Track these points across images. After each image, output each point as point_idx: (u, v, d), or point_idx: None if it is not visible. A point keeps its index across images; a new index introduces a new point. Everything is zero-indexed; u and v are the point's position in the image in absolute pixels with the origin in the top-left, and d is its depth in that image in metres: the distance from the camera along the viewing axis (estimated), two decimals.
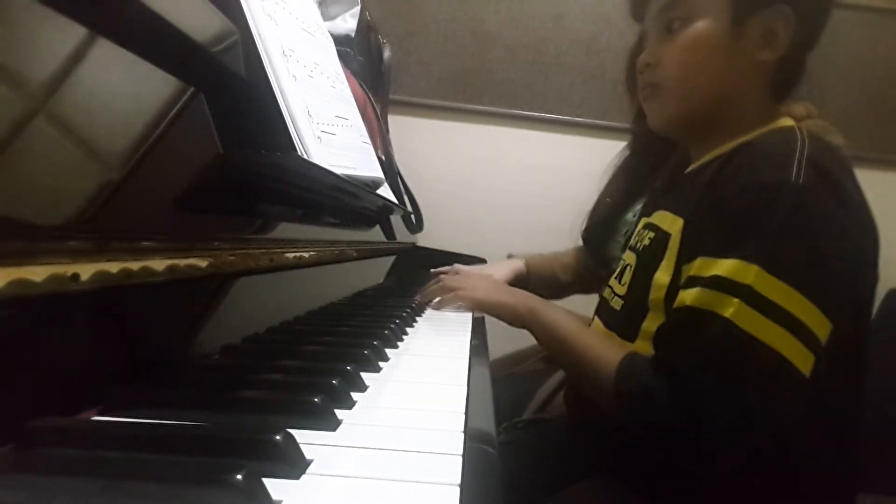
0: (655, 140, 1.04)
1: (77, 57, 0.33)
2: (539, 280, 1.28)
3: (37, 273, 0.28)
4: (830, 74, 1.87)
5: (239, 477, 0.24)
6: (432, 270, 1.22)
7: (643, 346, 0.65)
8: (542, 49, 1.90)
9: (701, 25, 0.65)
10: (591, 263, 1.25)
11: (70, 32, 0.33)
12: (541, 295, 1.28)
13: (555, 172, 1.89)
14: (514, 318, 0.80)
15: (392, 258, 1.26)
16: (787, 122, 0.66)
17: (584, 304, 1.22)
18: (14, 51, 0.29)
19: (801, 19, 0.64)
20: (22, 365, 0.29)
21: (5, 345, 0.27)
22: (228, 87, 0.51)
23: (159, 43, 0.41)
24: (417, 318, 0.79)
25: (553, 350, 0.76)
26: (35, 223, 0.29)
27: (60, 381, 0.32)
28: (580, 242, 1.27)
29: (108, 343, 0.36)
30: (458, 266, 1.27)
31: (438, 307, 0.89)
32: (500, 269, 1.24)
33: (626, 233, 1.07)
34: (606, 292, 0.78)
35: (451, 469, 0.30)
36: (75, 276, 0.30)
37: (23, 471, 0.27)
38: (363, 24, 1.38)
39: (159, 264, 0.37)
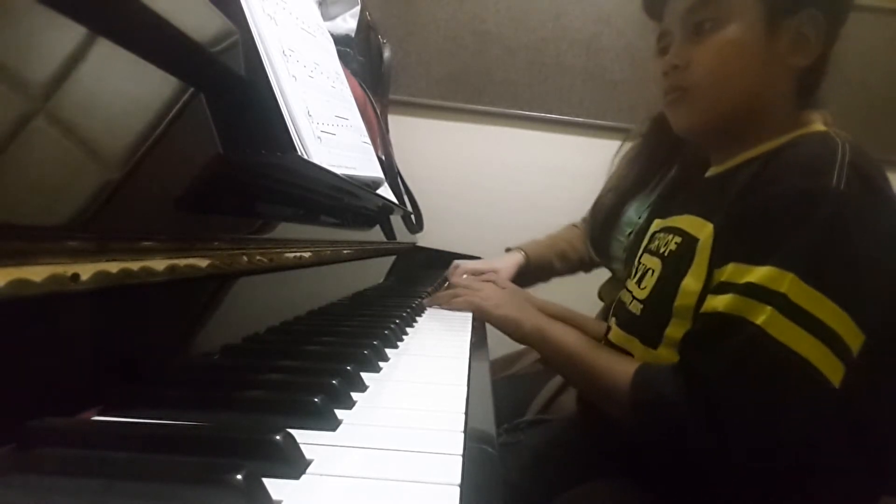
0: (668, 137, 1.03)
1: (77, 57, 0.33)
2: (538, 269, 1.28)
3: (37, 273, 0.28)
4: (830, 74, 1.87)
5: (239, 477, 0.24)
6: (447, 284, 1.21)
7: (668, 354, 0.63)
8: (542, 49, 1.90)
9: (734, 28, 0.63)
10: (594, 259, 1.26)
11: (70, 32, 0.33)
12: (536, 280, 1.30)
13: (555, 172, 1.90)
14: (520, 335, 0.80)
15: (392, 258, 1.26)
16: (818, 126, 0.64)
17: (588, 307, 1.22)
18: (14, 51, 0.29)
19: (829, 24, 0.63)
20: (22, 365, 0.29)
21: (5, 345, 0.27)
22: (228, 87, 0.51)
23: (159, 43, 0.41)
24: (417, 318, 0.79)
25: (562, 368, 0.76)
26: (35, 223, 0.29)
27: (60, 381, 0.32)
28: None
29: (108, 343, 0.36)
30: (458, 263, 1.27)
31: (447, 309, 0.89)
32: (504, 265, 1.24)
33: (630, 234, 1.07)
34: (624, 296, 0.77)
35: (451, 469, 0.30)
36: (75, 276, 0.30)
37: (23, 471, 0.27)
38: (363, 24, 1.38)
39: (159, 264, 0.37)
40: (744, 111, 0.66)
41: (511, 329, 0.81)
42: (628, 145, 1.11)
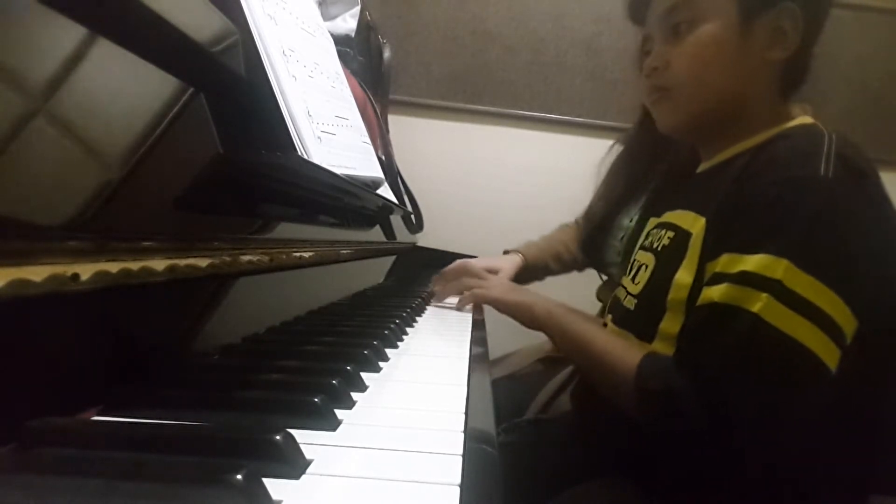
0: (652, 140, 1.04)
1: (77, 57, 0.33)
2: (534, 270, 1.29)
3: (37, 273, 0.28)
4: (830, 74, 1.87)
5: (239, 477, 0.24)
6: (442, 271, 1.20)
7: (662, 348, 0.64)
8: (542, 49, 1.90)
9: (709, 27, 0.64)
10: (588, 265, 1.26)
11: (70, 32, 0.33)
12: (532, 280, 1.30)
13: (555, 172, 1.89)
14: (531, 320, 0.80)
15: (392, 258, 1.26)
16: (806, 119, 0.65)
17: (586, 308, 1.22)
18: (14, 51, 0.29)
19: (807, 16, 0.63)
20: (22, 365, 0.29)
21: (5, 345, 0.27)
22: (228, 87, 0.51)
23: (159, 43, 0.41)
24: (417, 318, 0.79)
25: (571, 352, 0.76)
26: (35, 223, 0.29)
27: (60, 381, 0.31)
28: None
29: (108, 343, 0.36)
30: (462, 262, 1.27)
31: (457, 307, 0.89)
32: (506, 265, 1.25)
33: (623, 238, 1.07)
34: (619, 291, 0.78)
35: (451, 469, 0.30)
36: (75, 276, 0.30)
37: (23, 471, 0.27)
38: (363, 24, 1.38)
39: (159, 264, 0.37)
40: (726, 107, 0.67)
41: (522, 312, 0.81)
42: (612, 156, 1.12)
